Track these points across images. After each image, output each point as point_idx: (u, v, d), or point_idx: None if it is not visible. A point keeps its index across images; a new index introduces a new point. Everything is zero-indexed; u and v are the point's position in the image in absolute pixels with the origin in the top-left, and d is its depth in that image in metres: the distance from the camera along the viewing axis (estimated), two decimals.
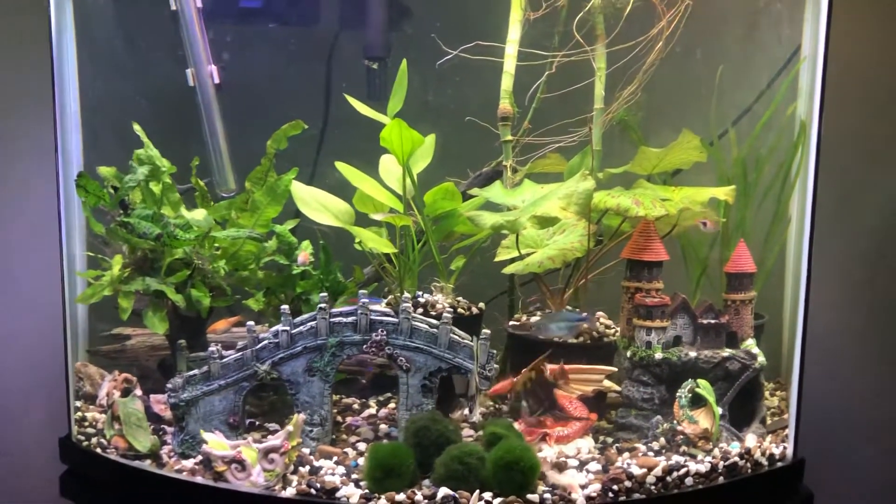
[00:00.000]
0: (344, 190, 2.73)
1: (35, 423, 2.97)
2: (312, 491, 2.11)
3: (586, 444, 2.32)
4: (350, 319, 2.34)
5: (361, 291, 2.37)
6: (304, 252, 2.58)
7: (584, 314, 2.48)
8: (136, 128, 2.52)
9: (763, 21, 2.83)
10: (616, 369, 2.46)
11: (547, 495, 2.07)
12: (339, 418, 2.58)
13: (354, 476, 2.18)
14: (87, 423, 2.49)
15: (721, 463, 2.24)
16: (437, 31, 2.75)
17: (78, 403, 2.57)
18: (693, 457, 2.27)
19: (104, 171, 2.59)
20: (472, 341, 2.33)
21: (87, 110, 2.62)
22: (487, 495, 2.04)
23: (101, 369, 2.67)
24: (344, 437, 2.45)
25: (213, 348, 2.32)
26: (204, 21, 2.79)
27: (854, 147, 2.92)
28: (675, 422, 2.34)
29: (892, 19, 2.93)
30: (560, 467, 2.19)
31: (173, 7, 2.77)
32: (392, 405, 2.67)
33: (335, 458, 2.28)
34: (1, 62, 2.90)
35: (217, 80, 2.82)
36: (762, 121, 2.82)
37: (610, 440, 2.41)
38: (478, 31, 2.72)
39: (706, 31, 2.76)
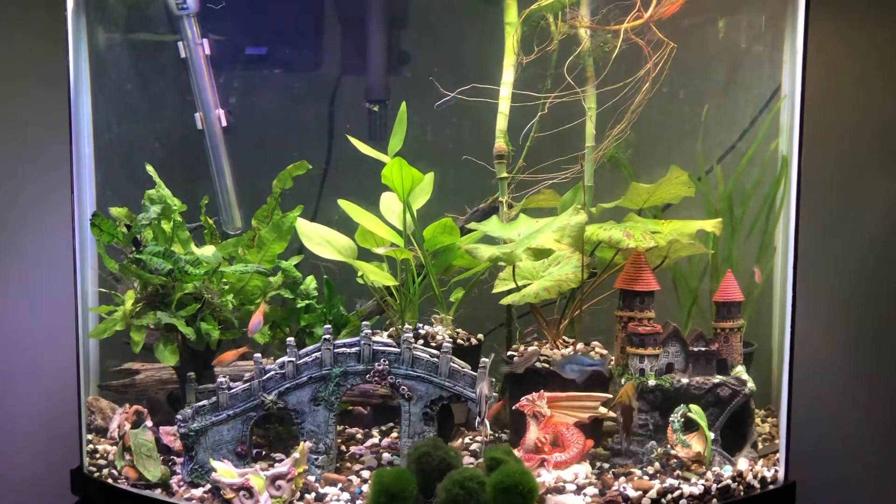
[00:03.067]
0: (346, 226, 2.83)
1: (47, 456, 3.02)
2: None
3: (583, 470, 2.39)
4: (353, 350, 2.42)
5: (364, 323, 2.45)
6: (258, 316, 2.57)
7: (599, 361, 2.51)
8: (149, 168, 2.63)
9: (745, 62, 2.95)
10: (611, 396, 2.53)
11: None
12: (343, 447, 2.64)
13: (359, 502, 2.25)
14: (98, 455, 2.56)
15: (714, 485, 2.31)
16: (435, 74, 2.86)
17: (89, 436, 2.64)
18: (687, 480, 2.34)
19: (116, 211, 2.69)
20: (480, 367, 2.41)
21: (101, 153, 2.74)
22: None
23: (112, 403, 2.75)
24: (348, 465, 2.52)
25: (221, 379, 2.40)
26: (212, 68, 2.91)
27: (833, 179, 3.02)
28: (668, 446, 2.41)
29: (864, 57, 3.06)
30: (559, 492, 2.26)
31: (183, 55, 2.90)
32: (394, 435, 2.74)
33: (340, 485, 2.35)
34: (20, 106, 3.02)
35: (224, 124, 2.92)
36: (746, 157, 2.91)
37: (606, 465, 2.47)
38: (473, 75, 2.83)
39: (691, 72, 2.88)
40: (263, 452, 2.58)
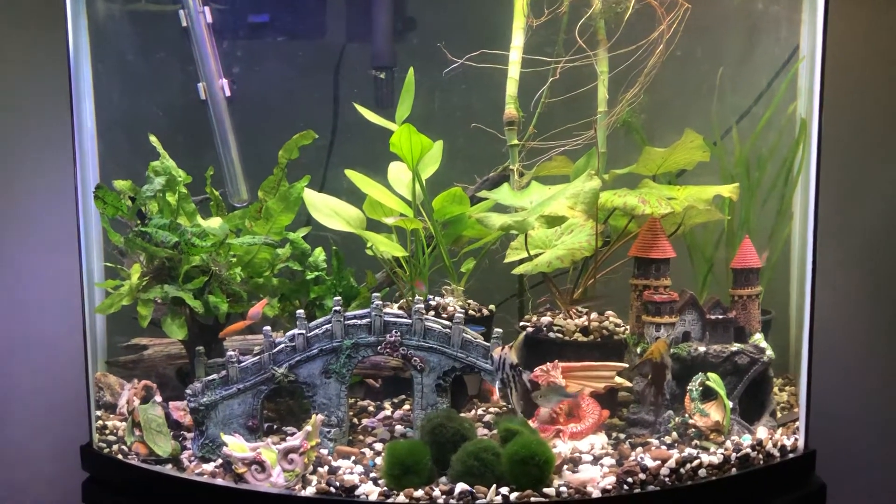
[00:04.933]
0: (355, 196, 2.78)
1: (57, 432, 3.01)
2: (332, 489, 2.14)
3: (599, 441, 2.35)
4: (364, 321, 2.38)
5: (375, 295, 2.41)
6: (258, 308, 2.53)
7: (575, 392, 2.36)
8: (153, 139, 2.58)
9: (761, 22, 2.86)
10: (627, 365, 2.49)
11: (563, 489, 2.10)
12: (355, 420, 2.61)
13: (373, 474, 2.21)
14: (107, 431, 2.53)
15: (733, 455, 2.26)
16: (443, 39, 2.78)
17: (98, 412, 2.62)
18: (705, 449, 2.29)
19: (120, 184, 2.64)
20: (494, 337, 2.36)
21: (103, 124, 2.68)
22: (504, 490, 2.07)
23: (121, 379, 2.72)
24: (360, 437, 2.48)
25: (231, 353, 2.36)
26: (214, 36, 2.84)
27: (854, 143, 2.95)
28: (686, 416, 2.37)
29: (887, 15, 2.97)
30: (575, 463, 2.23)
31: (184, 24, 2.83)
32: (406, 407, 2.71)
33: (353, 458, 2.31)
34: (20, 78, 2.97)
35: (228, 93, 2.86)
36: (763, 120, 2.84)
37: (622, 436, 2.43)
38: (482, 39, 2.76)
39: (706, 33, 2.79)
40: (275, 426, 2.55)
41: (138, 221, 2.48)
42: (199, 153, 2.91)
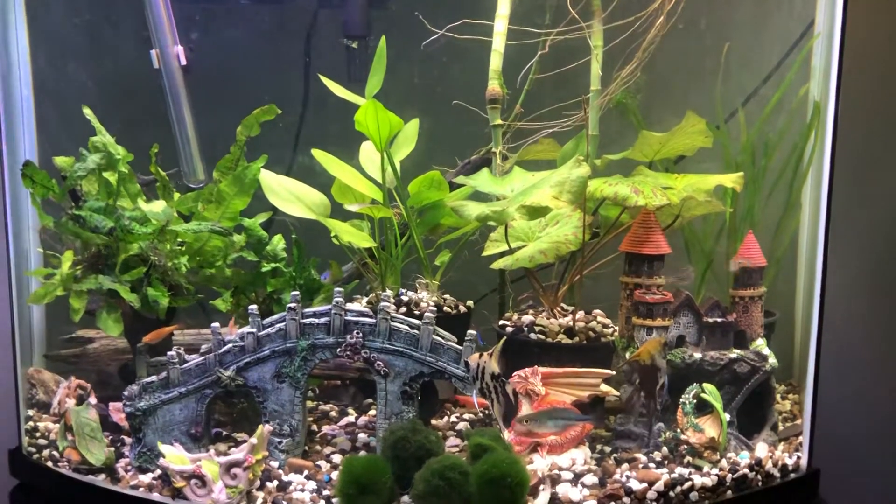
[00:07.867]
0: (326, 178, 2.56)
1: None
2: None
3: (582, 455, 2.14)
4: (323, 320, 2.15)
5: (338, 290, 2.17)
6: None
7: (588, 417, 2.15)
8: (87, 112, 2.34)
9: None
10: (614, 372, 2.27)
11: None
12: (315, 427, 2.38)
13: (326, 492, 2.01)
14: (38, 434, 2.31)
15: (729, 475, 2.09)
16: (422, 7, 2.57)
17: (30, 412, 2.40)
18: (698, 469, 2.12)
19: (60, 160, 2.42)
20: (467, 340, 2.16)
21: (41, 95, 2.44)
22: None
23: (57, 375, 2.48)
24: (318, 447, 2.26)
25: (172, 352, 2.13)
26: None
27: (872, 129, 2.74)
28: (678, 430, 2.15)
29: None
30: (553, 482, 2.01)
31: None
32: (372, 412, 2.48)
33: (306, 473, 2.10)
34: None
35: (184, 62, 2.64)
36: (772, 102, 2.68)
37: (608, 449, 2.23)
38: (465, 8, 2.56)
39: (711, 4, 2.64)
40: (224, 433, 2.32)
41: (72, 203, 2.23)
42: (155, 128, 2.68)
